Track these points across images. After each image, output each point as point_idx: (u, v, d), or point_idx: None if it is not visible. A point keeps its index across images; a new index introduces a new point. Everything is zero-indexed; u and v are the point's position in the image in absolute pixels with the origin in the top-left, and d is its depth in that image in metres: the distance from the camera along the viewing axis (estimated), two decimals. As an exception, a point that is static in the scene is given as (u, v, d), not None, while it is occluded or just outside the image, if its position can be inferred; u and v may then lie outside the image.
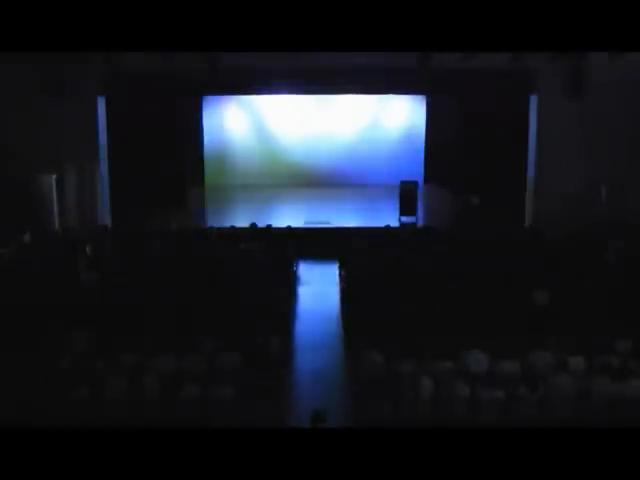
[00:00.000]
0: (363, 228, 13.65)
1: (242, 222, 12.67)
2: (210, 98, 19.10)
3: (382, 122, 19.68)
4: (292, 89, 15.87)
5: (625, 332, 7.51)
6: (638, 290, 8.63)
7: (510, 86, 13.69)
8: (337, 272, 12.03)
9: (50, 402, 6.45)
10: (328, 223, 14.70)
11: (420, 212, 15.57)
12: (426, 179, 19.08)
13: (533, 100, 14.08)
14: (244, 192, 18.64)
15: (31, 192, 13.27)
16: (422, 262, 10.10)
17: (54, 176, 13.47)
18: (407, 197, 15.04)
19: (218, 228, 12.41)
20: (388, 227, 12.56)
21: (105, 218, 14.23)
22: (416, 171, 18.59)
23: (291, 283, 11.08)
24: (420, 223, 14.88)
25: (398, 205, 15.04)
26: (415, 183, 15.46)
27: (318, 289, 11.86)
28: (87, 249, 10.88)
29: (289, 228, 12.74)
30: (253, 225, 12.22)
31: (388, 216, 14.66)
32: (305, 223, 14.47)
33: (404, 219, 14.95)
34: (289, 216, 15.10)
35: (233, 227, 12.31)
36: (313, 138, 19.52)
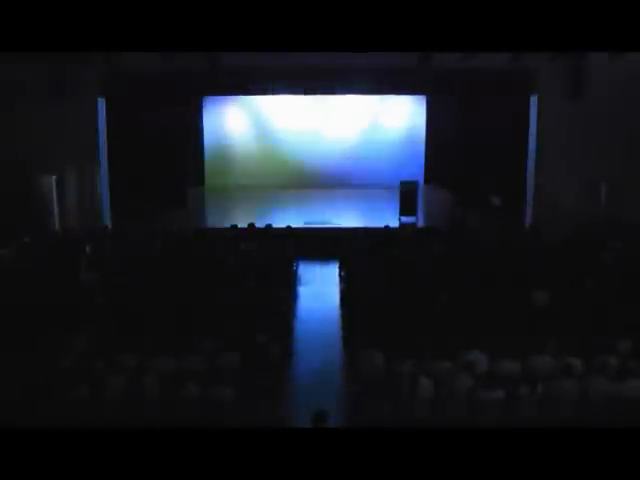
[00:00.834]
0: (363, 228, 13.64)
1: (242, 222, 12.68)
2: (210, 98, 19.12)
3: (382, 122, 19.69)
4: (292, 89, 15.87)
5: (624, 332, 7.50)
6: (637, 290, 8.63)
7: (510, 86, 13.69)
8: (337, 272, 12.04)
9: (50, 402, 6.45)
10: (328, 223, 14.70)
11: (420, 212, 15.58)
12: (426, 179, 19.09)
13: (533, 100, 14.08)
14: (244, 192, 18.64)
15: (31, 192, 13.28)
16: (422, 262, 10.11)
17: (54, 176, 13.48)
18: (407, 197, 15.04)
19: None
20: (387, 227, 12.56)
21: (105, 218, 14.24)
22: (416, 171, 18.58)
23: (291, 283, 11.07)
24: (420, 223, 14.88)
25: (398, 205, 15.05)
26: (415, 183, 15.46)
27: (318, 289, 11.86)
28: (87, 249, 10.88)
29: (289, 228, 12.74)
30: (251, 225, 12.23)
31: (388, 216, 14.67)
32: (305, 223, 14.47)
33: (404, 219, 14.95)
34: (289, 216, 15.09)
35: (234, 227, 12.31)
36: (313, 138, 19.53)
